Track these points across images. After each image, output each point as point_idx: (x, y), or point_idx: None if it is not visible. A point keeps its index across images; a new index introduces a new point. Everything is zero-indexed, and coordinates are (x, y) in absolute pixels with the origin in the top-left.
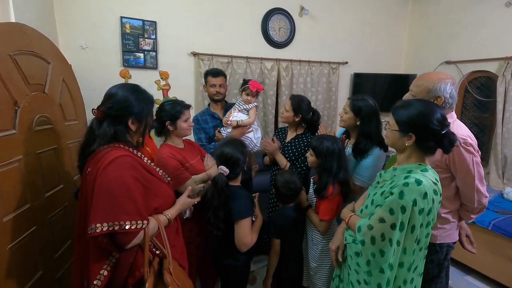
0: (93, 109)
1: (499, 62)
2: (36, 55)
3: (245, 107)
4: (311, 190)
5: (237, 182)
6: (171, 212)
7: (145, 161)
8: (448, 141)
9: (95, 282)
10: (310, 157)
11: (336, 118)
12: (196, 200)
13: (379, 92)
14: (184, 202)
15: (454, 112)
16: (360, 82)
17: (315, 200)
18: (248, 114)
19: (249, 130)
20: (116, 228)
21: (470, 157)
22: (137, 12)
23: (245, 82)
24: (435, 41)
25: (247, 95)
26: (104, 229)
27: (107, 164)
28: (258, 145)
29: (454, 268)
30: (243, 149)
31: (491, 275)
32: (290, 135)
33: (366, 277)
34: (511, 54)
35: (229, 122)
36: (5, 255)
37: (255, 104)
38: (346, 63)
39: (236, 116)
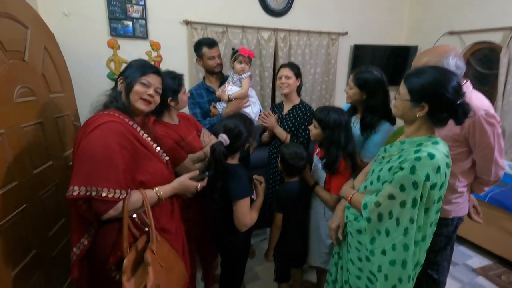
0: None
1: (504, 32)
2: (12, 18)
3: (238, 77)
4: (314, 166)
5: (235, 160)
6: (164, 190)
7: (141, 134)
8: (462, 112)
9: (74, 249)
10: (315, 129)
11: (334, 91)
12: (201, 184)
13: (379, 64)
14: (183, 182)
15: (469, 82)
16: (360, 54)
17: (321, 177)
18: (241, 86)
19: (246, 104)
20: (93, 194)
21: (492, 129)
22: None
23: (235, 51)
24: (438, 11)
25: (240, 63)
26: (82, 193)
27: (94, 128)
28: (257, 120)
29: None
30: (250, 126)
31: (484, 245)
32: (287, 107)
33: (369, 254)
34: None
35: (221, 96)
36: None
37: (249, 73)
38: (346, 33)
39: (230, 90)
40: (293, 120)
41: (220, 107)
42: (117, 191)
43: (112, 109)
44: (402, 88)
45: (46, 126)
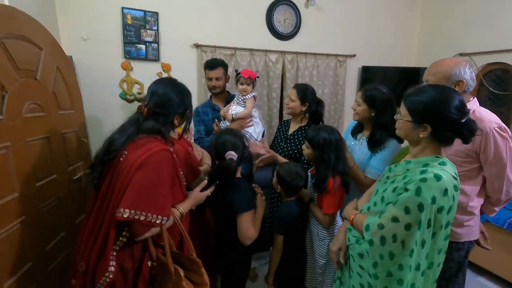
0: (140, 106)
1: None
2: (27, 40)
3: (243, 98)
4: (309, 184)
5: (237, 173)
6: (184, 206)
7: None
8: (468, 131)
9: (101, 281)
10: (306, 149)
11: (343, 112)
12: (210, 191)
13: (389, 86)
14: (196, 196)
15: (475, 98)
16: (369, 76)
17: (315, 194)
18: (245, 106)
19: (249, 124)
20: (142, 218)
21: (505, 143)
22: (138, 2)
23: (238, 73)
24: (448, 33)
25: (242, 84)
26: (130, 216)
27: (151, 154)
28: (259, 140)
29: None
30: (239, 136)
31: (506, 276)
32: (293, 127)
33: (372, 280)
34: None
35: (224, 115)
36: None
37: (253, 94)
38: (354, 55)
39: (234, 109)
40: (297, 142)
41: (223, 126)
42: (165, 218)
43: (156, 135)
44: (403, 109)
45: (53, 141)
